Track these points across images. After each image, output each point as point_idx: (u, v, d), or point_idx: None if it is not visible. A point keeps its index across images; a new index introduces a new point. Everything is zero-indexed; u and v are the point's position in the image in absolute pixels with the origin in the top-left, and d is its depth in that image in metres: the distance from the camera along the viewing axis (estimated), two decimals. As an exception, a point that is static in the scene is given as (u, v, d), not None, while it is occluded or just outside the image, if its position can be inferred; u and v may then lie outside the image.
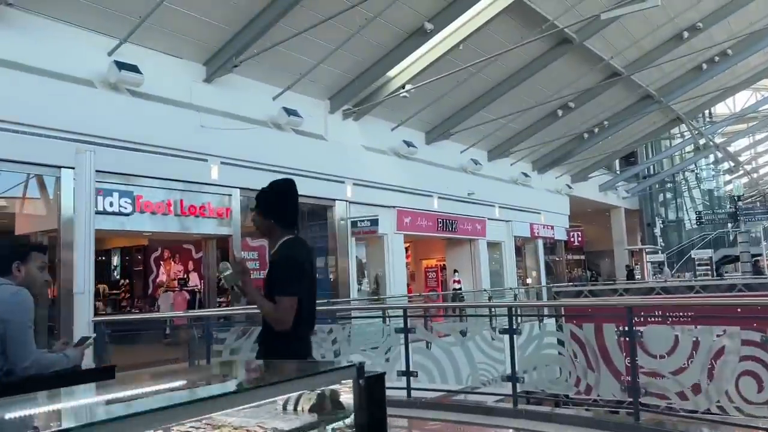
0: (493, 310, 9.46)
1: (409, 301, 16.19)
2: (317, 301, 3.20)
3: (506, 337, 6.05)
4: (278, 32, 11.49)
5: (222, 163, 12.00)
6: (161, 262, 17.80)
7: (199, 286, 15.53)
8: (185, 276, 16.66)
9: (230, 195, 12.35)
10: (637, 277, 29.56)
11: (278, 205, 3.08)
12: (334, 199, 14.72)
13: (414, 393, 6.40)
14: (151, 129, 10.71)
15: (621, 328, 5.31)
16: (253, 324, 6.69)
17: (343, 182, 14.78)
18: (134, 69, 10.43)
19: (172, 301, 14.86)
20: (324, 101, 14.75)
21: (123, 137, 10.26)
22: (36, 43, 9.51)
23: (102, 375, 2.61)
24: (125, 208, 10.52)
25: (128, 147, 10.33)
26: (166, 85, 11.28)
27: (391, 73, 14.67)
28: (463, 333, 6.66)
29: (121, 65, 10.27)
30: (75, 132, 9.48)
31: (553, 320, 9.76)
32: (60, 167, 9.42)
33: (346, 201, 14.97)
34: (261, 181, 10.96)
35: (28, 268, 2.60)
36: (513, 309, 6.28)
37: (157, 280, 17.68)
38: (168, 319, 12.19)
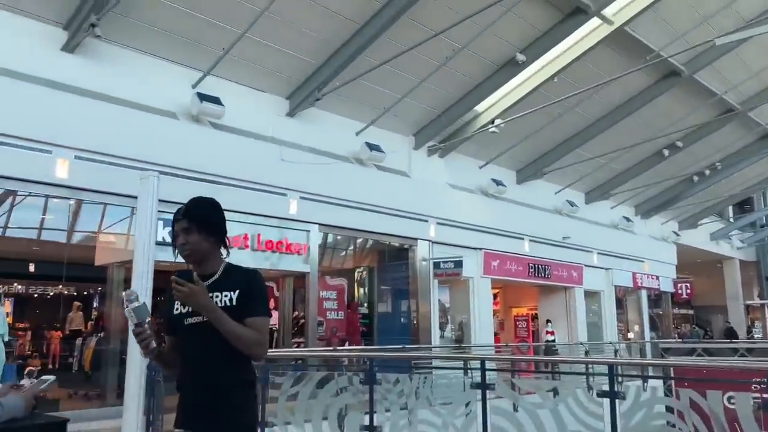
0: (590, 367, 8.27)
1: (495, 352, 15.02)
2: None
3: (606, 401, 5.00)
4: (362, 64, 11.13)
5: (301, 198, 11.65)
6: (272, 299, 17.67)
7: (276, 325, 15.12)
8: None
9: (308, 231, 11.93)
10: (756, 336, 26.52)
11: (222, 223, 2.60)
12: (416, 239, 14.00)
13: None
14: (230, 161, 10.52)
15: (759, 398, 4.17)
16: (307, 368, 6.02)
17: (426, 221, 14.06)
18: (216, 101, 10.33)
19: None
20: (408, 137, 14.21)
21: (202, 169, 10.10)
22: (122, 74, 9.60)
23: (54, 427, 1.98)
24: (200, 242, 10.27)
25: (207, 179, 10.14)
26: (248, 118, 11.13)
27: (480, 107, 13.97)
28: (555, 392, 5.65)
29: (203, 97, 10.20)
30: (155, 163, 9.34)
31: (659, 383, 8.45)
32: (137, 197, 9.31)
33: (429, 240, 14.20)
34: (341, 217, 10.46)
35: None
36: (615, 367, 5.23)
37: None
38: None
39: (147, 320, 2.41)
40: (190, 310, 2.46)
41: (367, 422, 5.62)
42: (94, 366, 11.45)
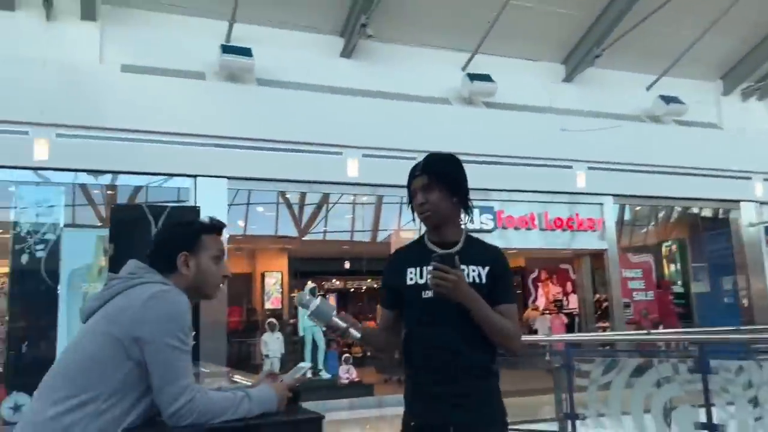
0: None
1: None
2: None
3: None
4: (644, 6, 9.65)
5: (589, 168, 10.62)
6: (539, 284, 17.08)
7: (577, 310, 14.21)
8: (563, 298, 15.54)
9: (601, 204, 10.81)
10: None
11: (465, 181, 2.15)
12: (738, 201, 11.73)
13: None
14: (507, 139, 10.05)
15: None
16: (616, 354, 5.16)
17: (749, 178, 11.69)
18: (487, 78, 9.97)
19: (550, 324, 13.90)
20: (714, 82, 12.03)
21: (479, 151, 9.79)
22: (394, 70, 9.85)
23: (310, 424, 1.68)
24: (486, 225, 10.01)
25: (486, 161, 9.82)
26: (522, 91, 10.53)
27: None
28: None
29: (473, 77, 9.93)
30: (429, 151, 9.38)
31: None
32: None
33: (756, 202, 11.78)
34: (638, 185, 9.13)
35: (199, 260, 1.78)
36: None
37: (535, 303, 16.98)
38: (548, 343, 11.31)
39: (333, 316, 2.03)
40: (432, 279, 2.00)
41: (702, 418, 4.56)
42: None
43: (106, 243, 6.56)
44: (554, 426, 6.40)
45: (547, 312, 15.07)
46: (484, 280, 2.05)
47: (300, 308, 2.02)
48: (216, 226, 1.85)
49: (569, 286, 15.54)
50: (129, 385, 1.56)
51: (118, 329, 1.56)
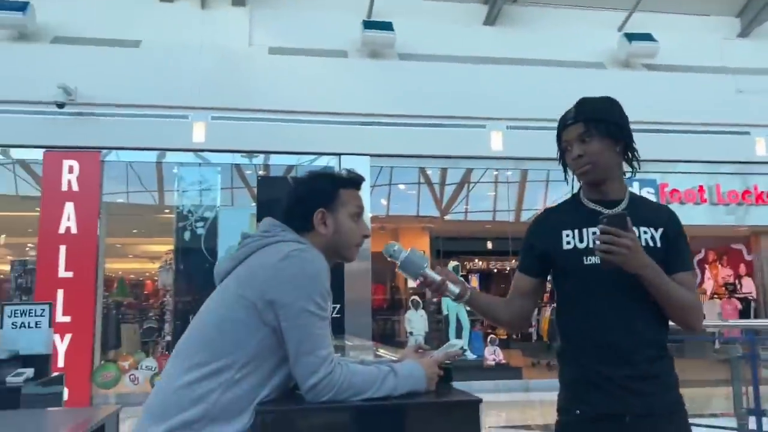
0: None
1: None
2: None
3: None
4: None
5: (771, 133, 9.32)
6: (706, 266, 15.51)
7: (753, 294, 12.69)
8: (735, 282, 13.95)
9: (788, 173, 9.47)
10: None
11: (628, 126, 1.80)
12: None
13: None
14: (672, 104, 9.06)
15: None
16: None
17: None
18: (647, 38, 9.06)
19: (720, 309, 12.55)
20: None
21: (639, 118, 8.87)
22: (542, 35, 9.26)
23: (465, 408, 1.44)
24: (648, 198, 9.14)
25: (646, 128, 8.92)
26: (688, 50, 9.45)
27: None
28: None
29: (632, 36, 9.05)
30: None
31: None
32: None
33: None
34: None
35: (338, 217, 1.58)
36: None
37: (702, 287, 15.43)
38: (717, 331, 10.28)
39: (425, 268, 1.74)
40: (595, 245, 1.64)
41: None
42: (550, 335, 11.48)
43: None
44: (731, 422, 5.71)
45: (717, 296, 13.64)
46: (659, 244, 1.71)
47: (389, 259, 1.76)
48: (355, 180, 1.65)
49: (742, 268, 13.93)
50: (265, 353, 1.40)
51: (251, 291, 1.41)
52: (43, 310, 3.58)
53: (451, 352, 1.60)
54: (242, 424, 1.36)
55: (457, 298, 1.80)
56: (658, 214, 1.77)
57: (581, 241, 1.73)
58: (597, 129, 1.73)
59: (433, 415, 1.45)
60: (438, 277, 1.76)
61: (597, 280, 1.68)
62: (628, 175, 1.84)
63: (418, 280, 1.75)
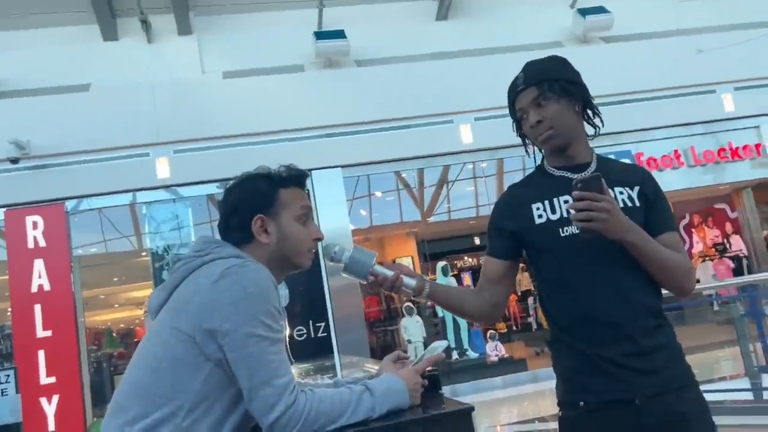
0: None
1: None
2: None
3: None
4: None
5: (736, 89, 9.31)
6: (693, 230, 15.50)
7: (743, 251, 12.67)
8: (723, 241, 13.94)
9: (757, 126, 9.46)
10: None
11: (582, 83, 1.64)
12: None
13: None
14: (635, 73, 9.01)
15: None
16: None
17: None
18: (601, 11, 9.02)
19: (713, 271, 12.50)
20: None
21: (604, 92, 8.78)
22: (495, 23, 9.27)
23: (457, 419, 1.25)
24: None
25: (613, 101, 8.85)
26: (644, 17, 9.44)
27: None
28: None
29: (585, 11, 9.01)
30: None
31: None
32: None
33: None
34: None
35: (281, 222, 1.38)
36: None
37: (692, 251, 15.41)
38: (713, 292, 10.23)
39: (373, 266, 1.56)
40: (569, 213, 1.48)
41: None
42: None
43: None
44: (743, 383, 5.58)
45: (708, 258, 13.62)
46: (637, 203, 1.56)
47: (330, 263, 1.54)
48: (296, 177, 1.46)
49: (729, 227, 13.94)
50: (214, 392, 1.20)
51: (186, 323, 1.21)
52: (8, 376, 3.32)
53: (433, 356, 1.41)
54: (199, 478, 1.16)
55: (416, 294, 1.62)
56: (632, 173, 1.64)
57: (553, 212, 1.57)
58: (551, 90, 1.57)
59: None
60: (390, 273, 1.58)
61: (577, 251, 1.52)
62: (592, 137, 1.67)
63: (368, 280, 1.55)
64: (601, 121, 1.67)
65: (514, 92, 1.64)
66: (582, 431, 1.52)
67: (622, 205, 1.53)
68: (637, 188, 1.59)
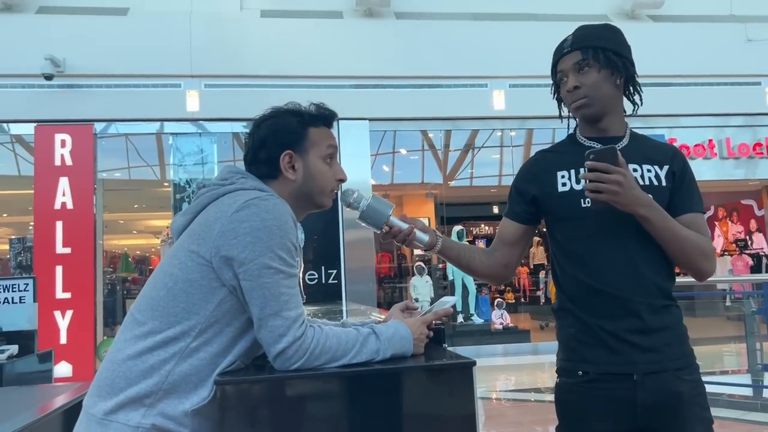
0: None
1: None
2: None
3: None
4: None
5: (784, 83, 9.02)
6: (716, 223, 15.30)
7: (764, 250, 12.51)
8: (746, 238, 13.75)
9: (797, 124, 9.19)
10: None
11: (630, 57, 1.62)
12: None
13: None
14: (679, 56, 8.75)
15: None
16: None
17: None
18: (652, -12, 8.70)
19: (731, 266, 12.38)
20: None
21: (645, 72, 8.54)
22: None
23: (458, 372, 1.28)
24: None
25: (653, 83, 8.62)
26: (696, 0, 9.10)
27: None
28: None
29: (636, -14, 8.71)
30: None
31: None
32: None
33: None
34: None
35: (308, 160, 1.38)
36: None
37: (713, 244, 15.24)
38: (728, 286, 10.22)
39: (389, 216, 1.54)
40: (588, 183, 1.47)
41: None
42: (558, 297, 11.40)
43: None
44: (745, 378, 5.60)
45: (727, 253, 13.47)
46: (663, 183, 1.54)
47: (347, 208, 1.54)
48: (326, 116, 1.45)
49: (753, 224, 13.73)
50: (225, 317, 1.23)
51: (205, 248, 1.23)
52: (27, 284, 3.43)
53: (441, 310, 1.43)
54: (201, 397, 1.21)
55: (428, 249, 1.63)
56: (662, 152, 1.61)
57: (578, 182, 1.56)
58: (595, 58, 1.55)
59: (423, 381, 1.29)
60: (405, 225, 1.58)
61: (596, 223, 1.52)
62: (630, 115, 1.66)
63: (382, 231, 1.56)
64: (641, 99, 1.65)
65: (559, 53, 1.62)
66: (578, 400, 1.54)
67: (647, 182, 1.53)
68: (666, 167, 1.57)
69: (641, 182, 1.52)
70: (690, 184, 1.59)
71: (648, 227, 1.47)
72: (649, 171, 1.56)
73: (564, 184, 1.59)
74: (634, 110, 1.65)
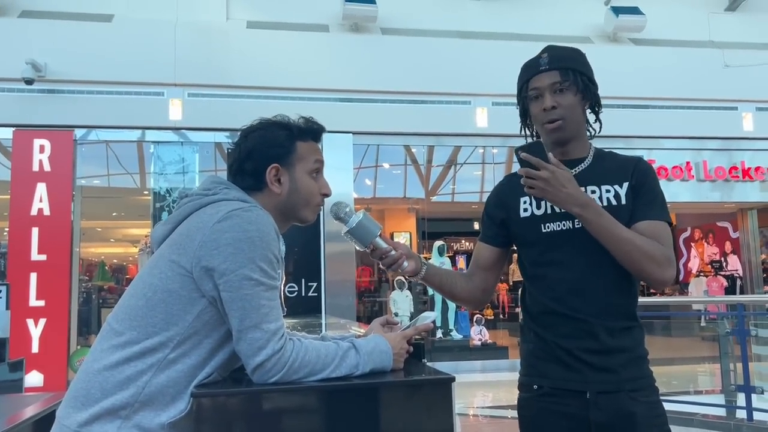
0: None
1: None
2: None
3: None
4: None
5: (758, 109, 9.23)
6: (692, 244, 15.52)
7: (739, 272, 12.70)
8: (721, 259, 13.96)
9: (773, 150, 9.40)
10: None
11: (596, 85, 1.65)
12: None
13: None
14: (658, 79, 8.93)
15: None
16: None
17: None
18: (634, 11, 8.88)
19: (706, 287, 12.54)
20: None
21: (624, 93, 8.77)
22: (527, 10, 9.09)
23: (437, 387, 1.28)
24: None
25: (632, 104, 8.80)
26: (675, 24, 9.31)
27: None
28: None
29: (618, 10, 8.87)
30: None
31: None
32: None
33: None
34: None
35: (295, 174, 1.38)
36: None
37: (688, 265, 15.45)
38: (703, 307, 10.35)
39: (377, 236, 1.55)
40: (554, 210, 1.53)
41: None
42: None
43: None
44: (719, 399, 5.64)
45: (702, 274, 13.66)
46: (623, 201, 1.55)
47: (336, 221, 1.52)
48: (314, 130, 1.45)
49: (728, 246, 13.95)
50: (204, 329, 1.22)
51: (185, 258, 1.22)
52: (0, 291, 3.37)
53: (422, 325, 1.44)
54: (178, 410, 1.19)
55: (412, 275, 1.64)
56: (624, 168, 1.60)
57: (539, 207, 1.59)
58: (574, 81, 1.58)
59: (402, 396, 1.29)
60: (387, 247, 1.57)
61: (556, 247, 1.55)
62: (591, 138, 1.68)
63: (367, 248, 1.56)
64: (600, 126, 1.68)
65: (534, 70, 1.62)
66: (534, 413, 1.57)
67: (606, 203, 1.54)
68: (626, 184, 1.57)
69: (602, 203, 1.54)
70: (648, 192, 1.57)
71: (587, 228, 1.48)
72: (608, 191, 1.57)
73: (525, 210, 1.62)
74: (592, 135, 1.67)
